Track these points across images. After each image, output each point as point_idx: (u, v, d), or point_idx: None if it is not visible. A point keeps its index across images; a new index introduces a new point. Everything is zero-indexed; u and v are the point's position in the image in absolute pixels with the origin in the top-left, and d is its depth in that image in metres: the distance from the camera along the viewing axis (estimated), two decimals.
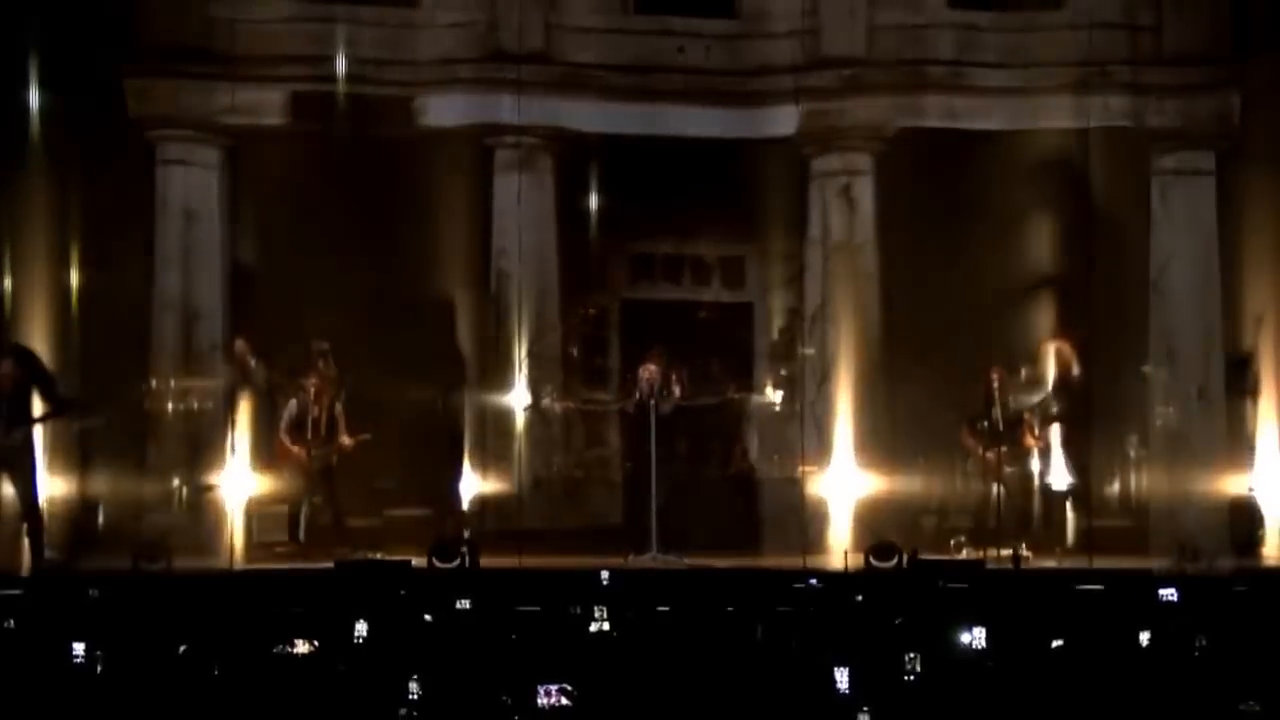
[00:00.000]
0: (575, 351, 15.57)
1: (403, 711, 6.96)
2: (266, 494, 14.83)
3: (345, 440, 13.90)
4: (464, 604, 9.04)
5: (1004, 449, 13.54)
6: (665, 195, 14.75)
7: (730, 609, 9.15)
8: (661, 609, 9.95)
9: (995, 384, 13.63)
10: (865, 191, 14.93)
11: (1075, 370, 14.78)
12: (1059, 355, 14.75)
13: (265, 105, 14.63)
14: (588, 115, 14.88)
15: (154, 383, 15.08)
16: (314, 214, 14.38)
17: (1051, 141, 14.39)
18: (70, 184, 13.97)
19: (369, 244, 15.96)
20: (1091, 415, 14.76)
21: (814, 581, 10.50)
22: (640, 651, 8.25)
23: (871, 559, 12.31)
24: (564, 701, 6.53)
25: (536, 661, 7.82)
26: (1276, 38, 14.15)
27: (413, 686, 7.24)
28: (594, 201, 15.01)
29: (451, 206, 14.55)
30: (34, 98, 14.04)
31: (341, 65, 14.39)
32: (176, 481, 14.75)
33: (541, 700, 6.56)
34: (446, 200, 14.49)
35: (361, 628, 8.52)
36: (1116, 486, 15.22)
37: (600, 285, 16.47)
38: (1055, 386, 14.69)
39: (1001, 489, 13.53)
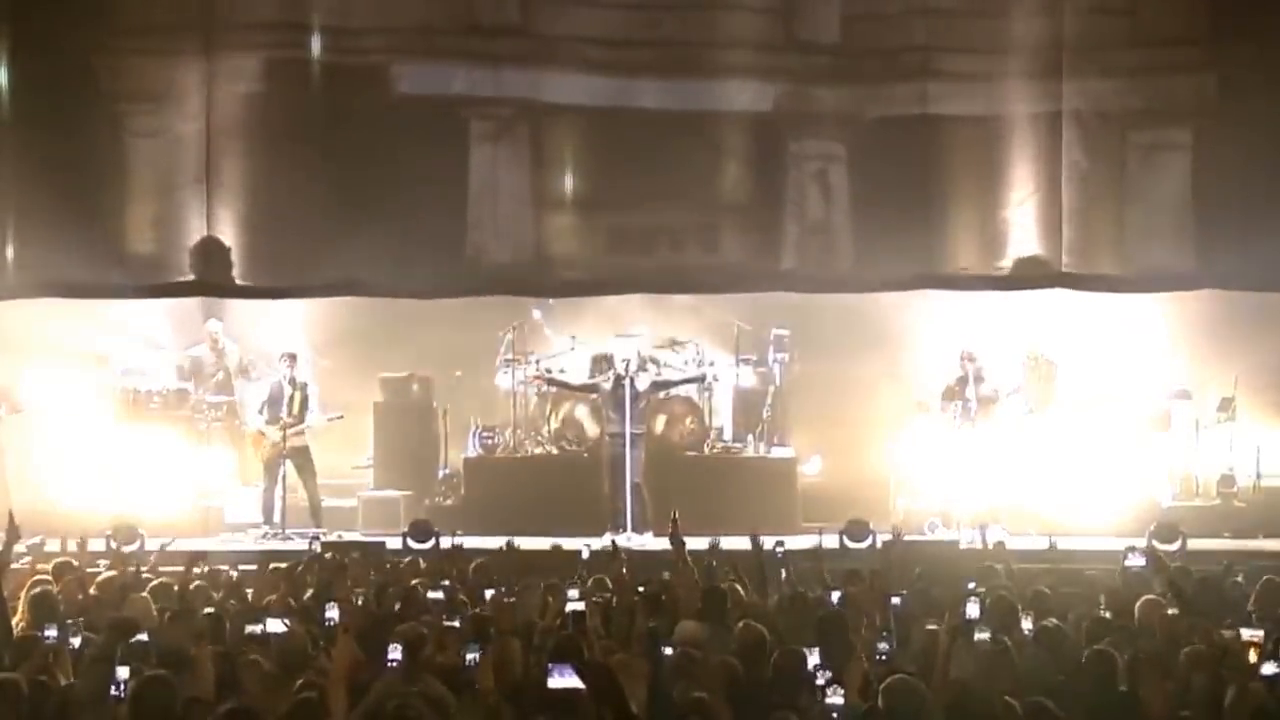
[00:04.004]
0: (549, 330, 15.54)
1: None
2: (241, 474, 14.83)
3: (317, 419, 13.87)
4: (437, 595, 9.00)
5: (977, 429, 13.56)
6: (641, 168, 14.70)
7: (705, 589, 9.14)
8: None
9: (969, 365, 13.63)
10: (840, 177, 14.92)
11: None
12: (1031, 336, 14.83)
13: (240, 74, 14.46)
14: (564, 87, 14.79)
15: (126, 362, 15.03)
16: (290, 187, 14.29)
17: (1026, 125, 14.39)
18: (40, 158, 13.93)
19: (345, 219, 15.90)
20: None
21: (780, 550, 10.50)
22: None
23: (846, 539, 12.36)
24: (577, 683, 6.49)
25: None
26: (1252, 18, 14.15)
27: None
28: (569, 173, 14.94)
29: (428, 179, 14.47)
30: (3, 73, 13.93)
31: (317, 32, 14.27)
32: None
33: (554, 681, 6.51)
34: (423, 173, 14.42)
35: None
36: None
37: (577, 259, 16.43)
38: (1026, 368, 14.75)
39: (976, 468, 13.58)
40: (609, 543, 12.79)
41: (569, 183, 14.80)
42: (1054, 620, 8.33)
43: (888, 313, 16.00)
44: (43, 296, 14.46)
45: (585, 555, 10.84)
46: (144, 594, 9.23)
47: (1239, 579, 9.87)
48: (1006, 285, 14.74)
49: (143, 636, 7.87)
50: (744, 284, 14.98)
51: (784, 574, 10.25)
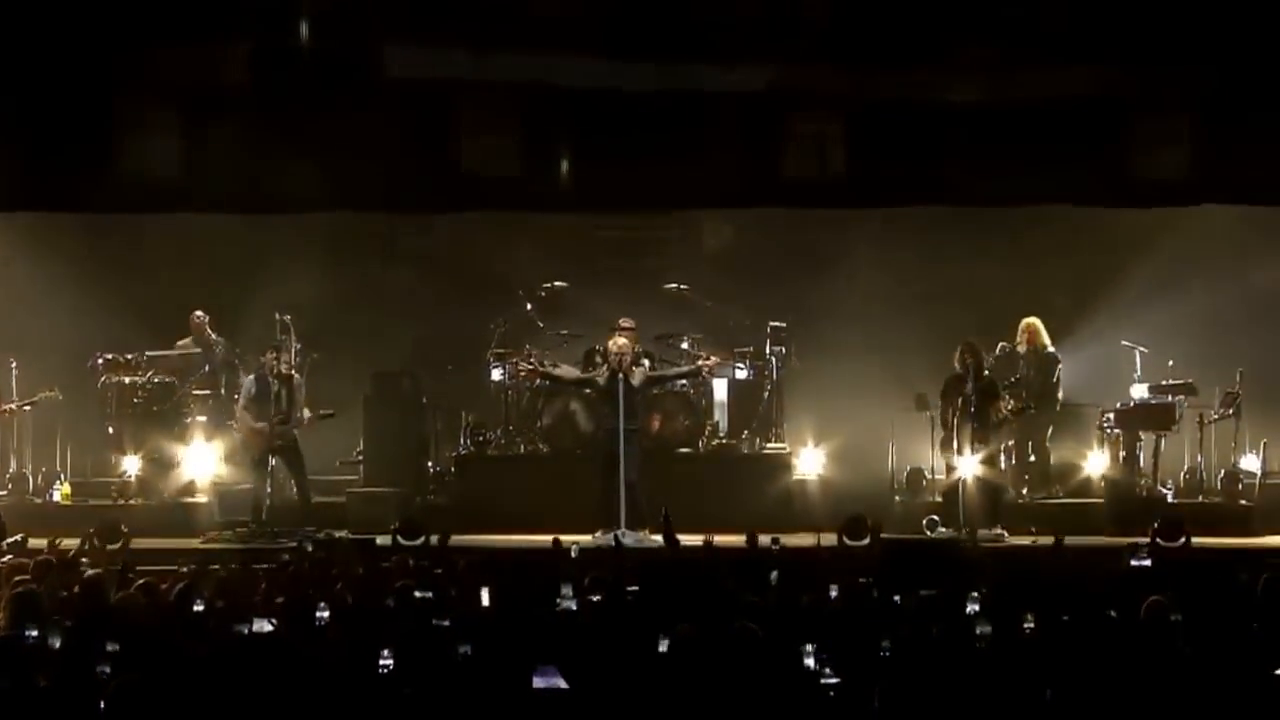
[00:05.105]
0: (541, 323, 15.40)
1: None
2: (229, 471, 14.65)
3: (306, 415, 13.68)
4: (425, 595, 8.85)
5: (977, 425, 13.36)
6: (633, 152, 14.55)
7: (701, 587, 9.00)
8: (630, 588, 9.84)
9: (969, 359, 13.43)
10: (838, 159, 14.75)
11: (1048, 345, 14.70)
12: (1031, 329, 14.67)
13: (225, 62, 14.25)
14: (555, 70, 14.58)
15: (109, 355, 14.85)
16: (275, 177, 14.11)
17: (1029, 113, 14.22)
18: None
19: (332, 208, 15.76)
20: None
21: (776, 547, 10.34)
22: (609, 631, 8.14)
23: (844, 537, 12.20)
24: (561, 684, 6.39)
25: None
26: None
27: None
28: (563, 159, 14.77)
29: (417, 166, 14.31)
30: None
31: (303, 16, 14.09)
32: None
33: (539, 682, 6.40)
34: (411, 160, 14.26)
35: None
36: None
37: (569, 250, 16.35)
38: (1028, 361, 14.61)
39: (975, 466, 13.36)
40: (604, 540, 12.69)
41: (562, 167, 14.64)
42: (1055, 619, 8.19)
43: (887, 307, 15.96)
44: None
45: (574, 554, 10.68)
46: (131, 592, 9.09)
47: (1244, 577, 9.71)
48: (999, 200, 14.53)
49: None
50: (740, 199, 14.78)
51: (781, 572, 10.12)
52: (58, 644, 7.67)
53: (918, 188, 14.33)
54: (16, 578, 9.80)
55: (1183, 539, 11.70)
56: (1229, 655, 7.32)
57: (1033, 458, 14.59)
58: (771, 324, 15.29)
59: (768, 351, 15.27)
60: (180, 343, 15.30)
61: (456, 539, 12.09)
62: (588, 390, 14.14)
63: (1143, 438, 14.63)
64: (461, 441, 15.15)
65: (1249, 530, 13.75)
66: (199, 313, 15.27)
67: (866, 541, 11.81)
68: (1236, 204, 14.68)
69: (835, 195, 14.61)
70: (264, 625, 8.00)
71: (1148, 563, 10.20)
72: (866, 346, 15.85)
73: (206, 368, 15.12)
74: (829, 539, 12.23)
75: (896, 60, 14.21)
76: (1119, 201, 14.61)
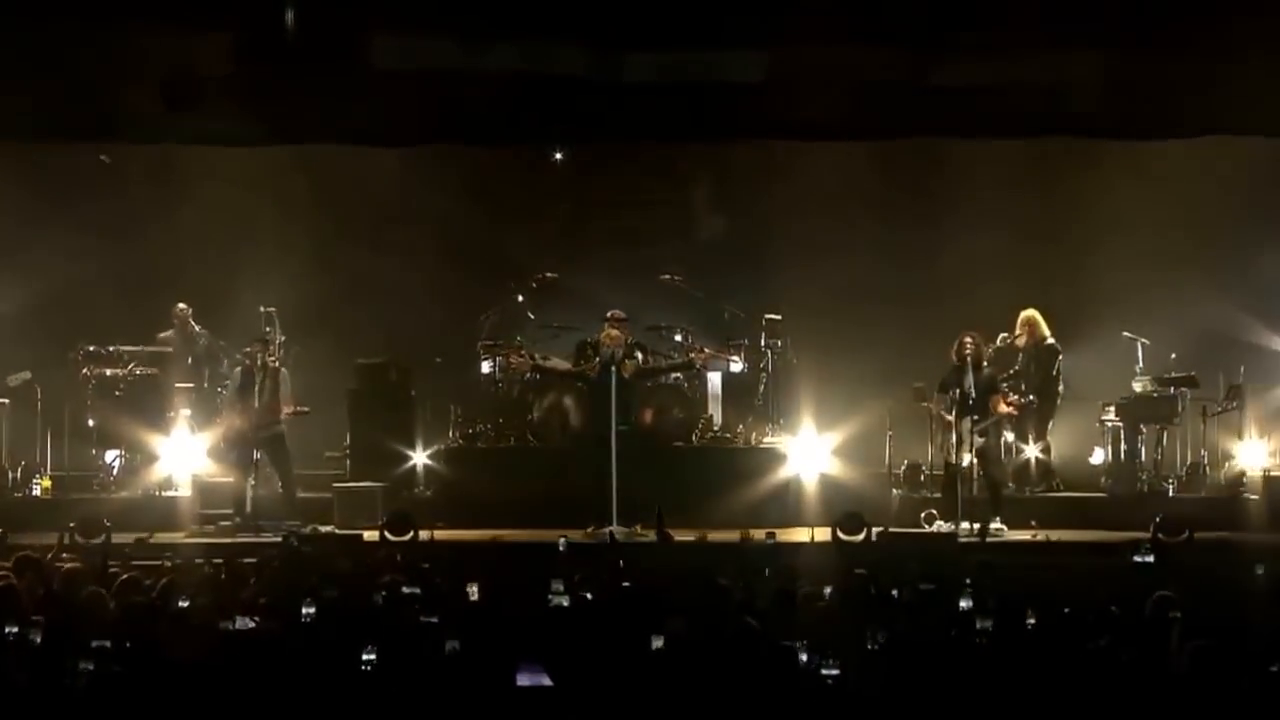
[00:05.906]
0: (532, 315, 15.23)
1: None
2: (212, 465, 14.47)
3: (286, 410, 13.47)
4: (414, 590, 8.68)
5: (976, 418, 13.17)
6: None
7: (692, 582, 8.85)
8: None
9: (968, 351, 13.25)
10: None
11: (1047, 337, 14.56)
12: (1031, 321, 14.52)
13: (211, 54, 14.05)
14: (546, 60, 14.40)
15: (90, 348, 14.68)
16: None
17: (1029, 102, 14.06)
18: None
19: (319, 201, 15.61)
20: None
21: (771, 542, 10.22)
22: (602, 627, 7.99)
23: (839, 532, 12.05)
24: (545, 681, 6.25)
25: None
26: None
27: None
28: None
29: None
30: None
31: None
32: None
33: (523, 679, 6.25)
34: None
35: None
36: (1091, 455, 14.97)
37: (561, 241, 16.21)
38: (1028, 353, 14.46)
39: (975, 460, 13.19)
40: (596, 535, 12.53)
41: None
42: (1056, 616, 8.02)
43: (884, 299, 15.82)
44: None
45: (563, 548, 10.52)
46: (102, 589, 8.91)
47: (1260, 571, 9.57)
48: (1003, 132, 14.38)
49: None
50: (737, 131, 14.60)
51: (775, 568, 9.97)
52: (37, 641, 7.50)
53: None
54: None
55: (1185, 533, 11.57)
56: (1230, 651, 7.16)
57: (1033, 451, 14.42)
58: (767, 316, 15.16)
59: (763, 344, 15.13)
60: (162, 335, 15.14)
61: (445, 534, 11.97)
62: (579, 383, 13.96)
63: (1144, 431, 14.52)
64: (450, 435, 14.98)
65: (1252, 524, 13.58)
66: (182, 305, 15.12)
67: (862, 537, 11.69)
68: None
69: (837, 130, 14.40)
70: (248, 622, 7.84)
71: (1150, 558, 10.05)
72: (864, 339, 15.70)
73: (189, 360, 14.93)
74: (824, 534, 12.10)
75: (894, 44, 14.07)
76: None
